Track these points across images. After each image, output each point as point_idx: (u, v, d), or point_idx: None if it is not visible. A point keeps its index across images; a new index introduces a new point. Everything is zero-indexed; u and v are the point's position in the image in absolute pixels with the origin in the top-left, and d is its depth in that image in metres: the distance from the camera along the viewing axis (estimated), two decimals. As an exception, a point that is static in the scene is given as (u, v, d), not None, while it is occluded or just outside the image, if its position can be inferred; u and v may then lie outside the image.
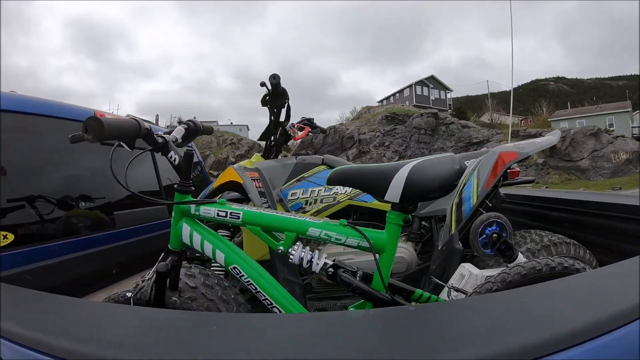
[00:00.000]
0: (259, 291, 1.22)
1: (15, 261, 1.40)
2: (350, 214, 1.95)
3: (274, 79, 1.96)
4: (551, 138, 1.90)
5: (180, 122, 1.48)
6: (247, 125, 50.14)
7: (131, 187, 2.02)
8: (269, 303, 1.22)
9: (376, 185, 1.17)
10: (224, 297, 1.36)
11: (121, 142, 1.22)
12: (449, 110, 37.38)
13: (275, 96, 2.05)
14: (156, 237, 2.14)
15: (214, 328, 0.62)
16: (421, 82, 45.85)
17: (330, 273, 1.20)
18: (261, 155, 2.31)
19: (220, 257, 1.24)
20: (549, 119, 35.44)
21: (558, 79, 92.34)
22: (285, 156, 2.36)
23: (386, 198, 1.14)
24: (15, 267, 1.39)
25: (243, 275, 1.22)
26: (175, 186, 1.26)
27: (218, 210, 1.24)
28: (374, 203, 1.89)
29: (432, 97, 45.02)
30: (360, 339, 0.59)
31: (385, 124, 28.98)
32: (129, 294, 1.26)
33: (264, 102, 2.14)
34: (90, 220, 1.80)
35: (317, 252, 1.24)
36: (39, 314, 0.79)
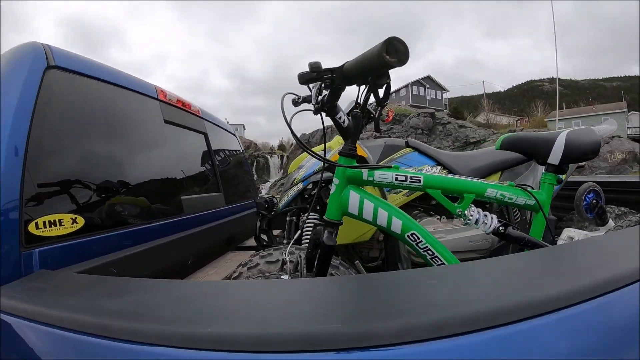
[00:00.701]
0: (436, 256, 1.24)
1: (89, 251, 1.18)
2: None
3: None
4: (611, 127, 2.02)
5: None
6: (243, 125, 50.84)
7: (178, 171, 1.92)
8: None
9: (541, 148, 1.39)
10: None
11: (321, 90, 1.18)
12: (446, 110, 37.45)
13: (380, 74, 1.95)
14: (220, 225, 2.00)
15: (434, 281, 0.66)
16: (417, 82, 45.90)
17: (501, 231, 1.27)
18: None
19: (397, 224, 1.22)
20: (545, 119, 35.62)
21: (553, 80, 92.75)
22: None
23: (549, 160, 1.38)
24: (90, 257, 1.16)
25: (421, 242, 1.23)
26: (340, 150, 1.20)
27: (396, 175, 1.24)
28: None
29: (428, 97, 45.12)
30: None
31: (382, 124, 28.91)
32: (284, 277, 1.17)
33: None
34: (162, 205, 1.63)
35: (488, 214, 1.30)
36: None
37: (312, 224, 1.88)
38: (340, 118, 1.26)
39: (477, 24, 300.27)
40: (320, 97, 1.22)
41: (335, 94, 1.20)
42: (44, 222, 1.06)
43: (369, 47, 0.98)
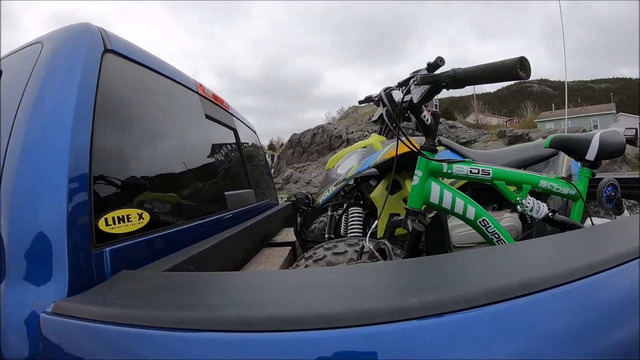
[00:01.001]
0: (501, 239, 1.40)
1: (155, 248, 1.09)
2: (463, 188, 2.08)
3: (441, 61, 1.98)
4: (620, 129, 2.19)
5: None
6: (234, 124, 51.09)
7: (220, 166, 1.89)
8: None
9: (581, 147, 1.61)
10: None
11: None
12: (436, 111, 37.69)
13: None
14: (261, 221, 1.97)
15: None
16: (408, 83, 46.05)
17: (550, 216, 1.45)
18: (382, 135, 2.30)
19: (471, 211, 1.38)
20: (535, 120, 36.03)
21: (542, 81, 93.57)
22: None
23: (586, 157, 1.60)
24: (156, 255, 1.07)
25: (490, 226, 1.40)
26: (423, 145, 1.33)
27: (471, 168, 1.40)
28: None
29: (419, 98, 45.33)
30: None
31: (373, 124, 28.99)
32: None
33: (405, 82, 2.14)
34: (213, 200, 1.59)
35: (540, 202, 1.47)
36: None
37: (358, 217, 1.95)
38: (424, 117, 1.34)
39: (467, 25, 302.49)
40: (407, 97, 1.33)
41: (432, 96, 1.29)
42: (113, 218, 0.96)
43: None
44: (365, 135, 28.22)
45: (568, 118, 34.16)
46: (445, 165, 1.36)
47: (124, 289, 0.78)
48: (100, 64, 1.03)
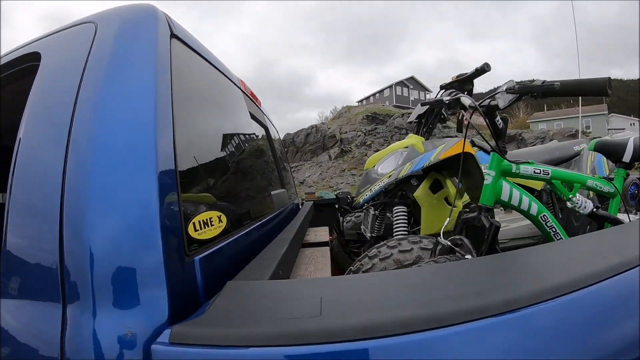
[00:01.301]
0: (557, 232, 1.53)
1: (234, 253, 1.01)
2: None
3: (487, 67, 2.11)
4: (634, 133, 2.36)
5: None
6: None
7: (265, 165, 1.85)
8: None
9: (619, 150, 1.76)
10: None
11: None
12: (430, 111, 37.82)
13: (468, 81, 2.14)
14: (304, 221, 1.94)
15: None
16: (401, 83, 46.36)
17: (595, 212, 1.57)
18: (420, 135, 2.34)
19: (534, 208, 1.52)
20: (527, 121, 36.29)
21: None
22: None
23: (623, 159, 1.74)
24: (236, 260, 1.00)
25: (548, 221, 1.53)
26: (494, 147, 1.45)
27: (534, 169, 1.53)
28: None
29: (411, 98, 45.55)
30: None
31: (366, 124, 29.05)
32: (468, 256, 1.30)
33: (448, 86, 2.21)
34: (266, 200, 1.55)
35: (586, 199, 1.59)
36: None
37: (403, 216, 1.96)
38: (497, 121, 1.46)
39: (458, 26, 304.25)
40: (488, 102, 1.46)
41: (515, 103, 1.43)
42: (200, 222, 0.85)
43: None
44: (359, 135, 28.40)
45: (560, 119, 34.63)
46: (514, 166, 1.49)
47: (246, 304, 0.67)
48: (170, 51, 0.89)
